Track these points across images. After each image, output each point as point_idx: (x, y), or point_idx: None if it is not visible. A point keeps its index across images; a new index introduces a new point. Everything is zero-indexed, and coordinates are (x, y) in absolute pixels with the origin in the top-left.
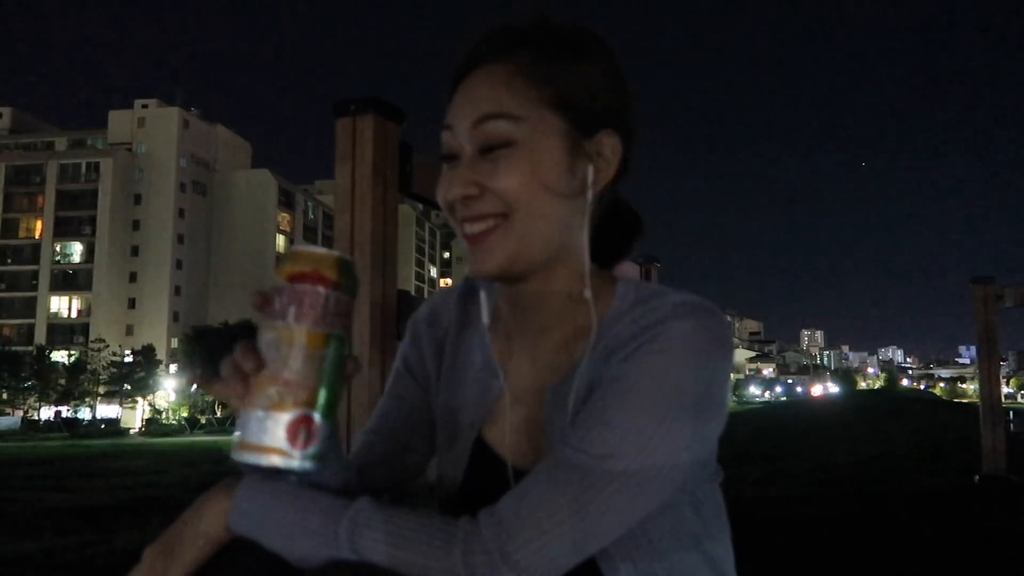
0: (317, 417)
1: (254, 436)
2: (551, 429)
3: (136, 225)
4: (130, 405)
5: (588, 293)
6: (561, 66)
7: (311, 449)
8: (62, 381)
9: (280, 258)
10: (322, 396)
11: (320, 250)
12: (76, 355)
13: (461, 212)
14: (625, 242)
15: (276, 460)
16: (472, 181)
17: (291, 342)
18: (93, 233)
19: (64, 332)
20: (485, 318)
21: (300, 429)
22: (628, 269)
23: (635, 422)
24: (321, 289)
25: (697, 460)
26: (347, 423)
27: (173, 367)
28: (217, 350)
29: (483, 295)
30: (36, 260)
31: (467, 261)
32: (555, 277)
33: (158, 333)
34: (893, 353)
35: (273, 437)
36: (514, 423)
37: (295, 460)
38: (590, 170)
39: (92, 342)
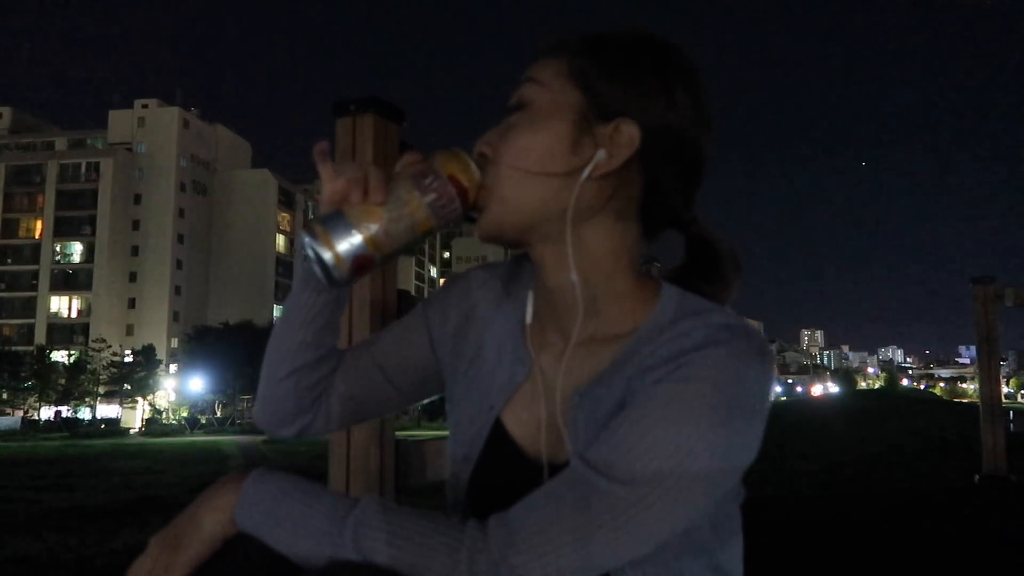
0: (376, 265)
1: (336, 237)
2: (574, 432)
3: (136, 225)
4: (130, 405)
5: (574, 276)
6: (597, 49)
7: (354, 279)
8: (62, 381)
9: (440, 155)
10: (390, 256)
11: (479, 175)
12: (76, 355)
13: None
14: (706, 281)
15: (332, 263)
16: (489, 140)
17: (412, 214)
18: (93, 233)
19: (64, 332)
20: (528, 317)
21: (366, 265)
22: None
23: (659, 450)
24: (459, 203)
25: (721, 491)
26: None
27: (173, 367)
28: None
29: (530, 294)
30: (36, 260)
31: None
32: (564, 261)
33: (158, 333)
34: (893, 353)
35: (346, 250)
36: (535, 413)
37: (344, 276)
38: (600, 153)
39: (92, 342)
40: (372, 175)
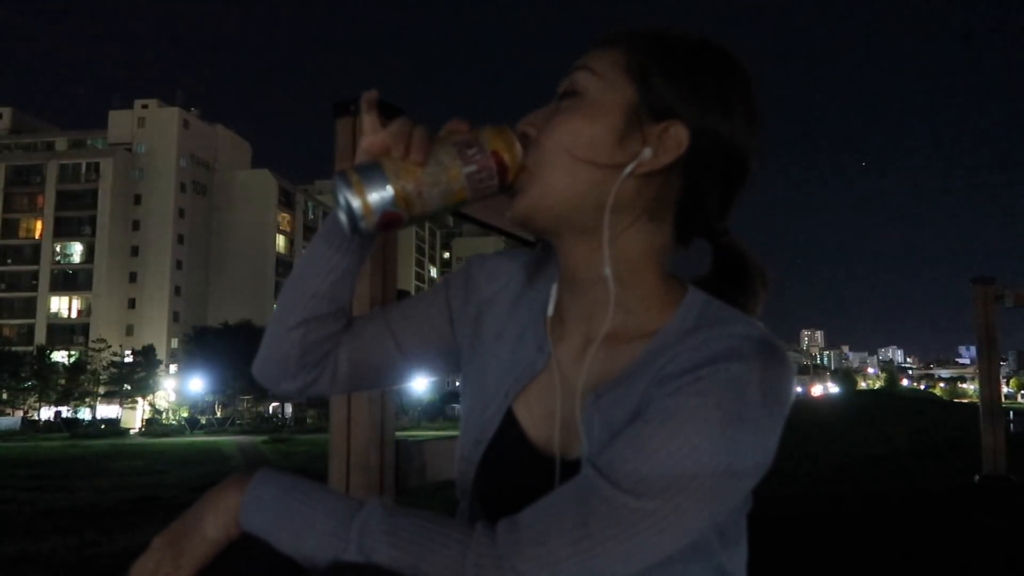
0: (403, 224)
1: (369, 187)
2: (589, 432)
3: (136, 225)
4: (130, 405)
5: (608, 271)
6: (659, 50)
7: (377, 233)
8: (62, 381)
9: (488, 128)
10: (418, 218)
11: (522, 156)
12: (76, 355)
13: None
14: (731, 295)
15: (360, 213)
16: (533, 121)
17: (449, 182)
18: (93, 233)
19: (64, 332)
20: (550, 310)
21: (393, 222)
22: None
23: (671, 463)
24: (497, 180)
25: (732, 503)
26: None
27: (173, 367)
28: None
29: (554, 288)
30: (36, 260)
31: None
32: (600, 254)
33: (158, 333)
34: (893, 353)
35: (377, 202)
36: (548, 406)
37: (370, 228)
38: (646, 151)
39: (92, 342)
40: (417, 133)
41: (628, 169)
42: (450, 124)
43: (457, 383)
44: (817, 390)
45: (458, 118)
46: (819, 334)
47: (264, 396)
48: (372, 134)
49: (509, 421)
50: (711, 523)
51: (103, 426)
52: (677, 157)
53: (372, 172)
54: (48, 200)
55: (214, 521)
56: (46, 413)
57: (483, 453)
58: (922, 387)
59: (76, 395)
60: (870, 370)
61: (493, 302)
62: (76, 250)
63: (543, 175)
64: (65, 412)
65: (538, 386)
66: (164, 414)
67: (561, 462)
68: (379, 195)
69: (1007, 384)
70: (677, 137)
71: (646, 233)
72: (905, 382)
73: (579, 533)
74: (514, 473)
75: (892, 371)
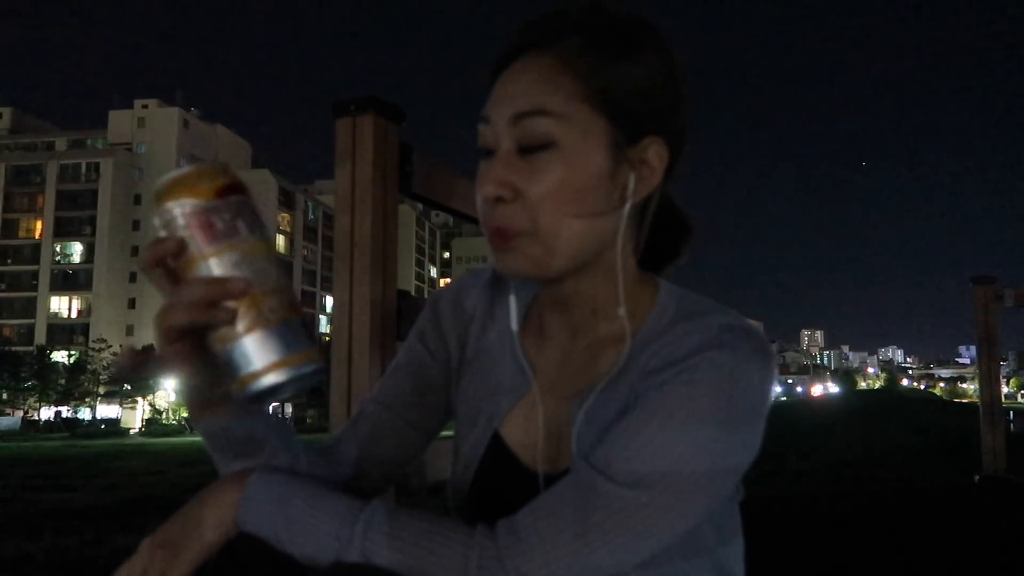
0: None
1: (272, 357)
2: (580, 441)
3: (136, 225)
4: (130, 405)
5: (623, 311)
6: (610, 60)
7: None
8: (62, 381)
9: (177, 185)
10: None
11: (218, 163)
12: (76, 355)
13: (489, 215)
14: (672, 247)
15: (305, 368)
16: (506, 182)
17: (257, 253)
18: (93, 233)
19: (64, 332)
20: (514, 325)
21: (307, 332)
22: None
23: (663, 452)
24: (246, 197)
25: (723, 492)
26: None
27: None
28: None
29: (512, 299)
30: (36, 260)
31: (492, 257)
32: (593, 282)
33: None
34: (893, 353)
35: (295, 345)
36: (535, 424)
37: (318, 363)
38: (631, 179)
39: (92, 342)
40: (201, 287)
41: (626, 208)
42: (165, 246)
43: None
44: (817, 390)
45: (158, 240)
46: (819, 334)
47: None
48: (172, 345)
49: (496, 444)
50: (707, 511)
51: (103, 426)
52: (664, 172)
53: (249, 351)
54: (48, 200)
55: (212, 521)
56: (46, 413)
57: (472, 478)
58: (922, 387)
59: (76, 395)
60: (870, 370)
61: (467, 330)
62: (76, 250)
63: (543, 236)
64: (65, 412)
65: (523, 406)
66: (164, 414)
67: (553, 474)
68: (291, 339)
69: (1007, 384)
70: (658, 153)
71: (630, 240)
72: (905, 382)
73: (578, 528)
74: (506, 494)
75: (892, 371)
